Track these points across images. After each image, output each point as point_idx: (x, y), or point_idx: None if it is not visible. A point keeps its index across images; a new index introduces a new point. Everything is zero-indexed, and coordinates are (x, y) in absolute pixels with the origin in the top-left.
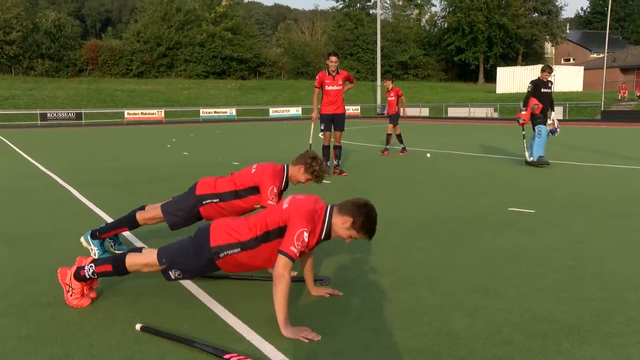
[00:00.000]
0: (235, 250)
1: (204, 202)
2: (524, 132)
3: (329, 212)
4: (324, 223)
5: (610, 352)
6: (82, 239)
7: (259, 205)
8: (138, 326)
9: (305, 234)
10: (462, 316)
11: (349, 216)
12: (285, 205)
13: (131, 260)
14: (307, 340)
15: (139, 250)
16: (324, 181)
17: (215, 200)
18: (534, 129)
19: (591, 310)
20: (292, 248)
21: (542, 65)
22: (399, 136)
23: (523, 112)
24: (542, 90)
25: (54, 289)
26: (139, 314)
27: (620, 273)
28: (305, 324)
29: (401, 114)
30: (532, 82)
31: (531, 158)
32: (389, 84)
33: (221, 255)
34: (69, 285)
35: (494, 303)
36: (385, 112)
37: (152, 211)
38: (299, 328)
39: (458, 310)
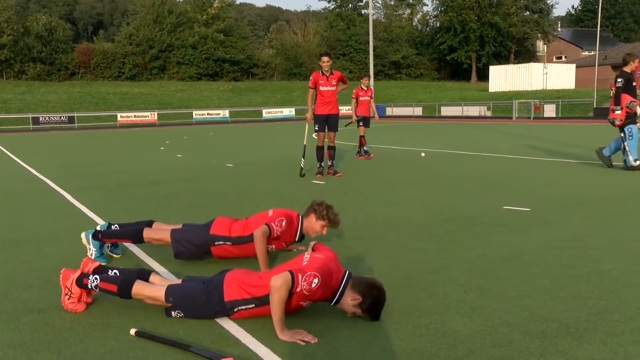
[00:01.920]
0: (250, 306)
1: (215, 243)
2: (622, 135)
3: (344, 281)
4: (337, 291)
5: (609, 351)
6: (82, 235)
7: (271, 247)
8: (133, 331)
9: (316, 280)
10: (459, 317)
11: (359, 295)
12: (304, 263)
13: (138, 289)
14: (303, 343)
15: (148, 274)
16: (318, 182)
17: (228, 243)
18: (623, 131)
19: (589, 309)
20: (300, 276)
21: (626, 54)
22: (363, 138)
23: (618, 112)
24: (634, 84)
25: (47, 294)
26: (134, 318)
27: (617, 271)
28: (302, 327)
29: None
30: (622, 75)
31: (637, 161)
32: (367, 82)
33: (235, 310)
34: (69, 289)
35: (492, 303)
36: (356, 115)
37: (161, 233)
38: (296, 331)
39: (455, 311)
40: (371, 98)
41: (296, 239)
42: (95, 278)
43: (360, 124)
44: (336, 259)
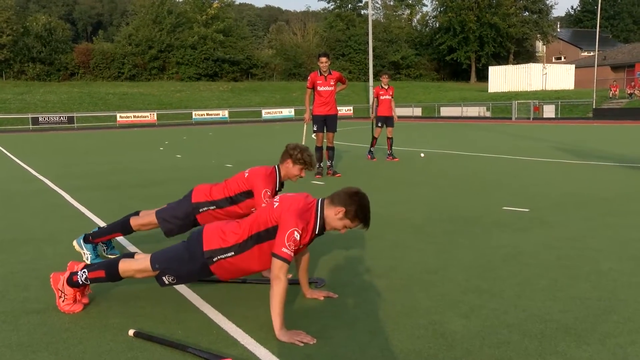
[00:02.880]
0: (229, 254)
1: (200, 210)
2: None
3: (319, 205)
4: (317, 218)
5: (607, 351)
6: (74, 243)
7: (255, 209)
8: (131, 332)
9: (297, 234)
10: (458, 317)
11: (341, 206)
12: (275, 204)
13: (124, 266)
14: (302, 344)
15: (132, 255)
16: (318, 182)
17: (211, 208)
18: None
19: (587, 309)
20: (285, 250)
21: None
22: (376, 140)
23: None
24: None
25: (45, 295)
26: (132, 319)
27: (616, 271)
28: (301, 328)
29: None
30: None
31: None
32: (387, 80)
33: (214, 259)
34: (61, 291)
35: (490, 304)
36: (374, 114)
37: (147, 217)
38: (294, 332)
39: (454, 311)
40: (392, 97)
41: (277, 189)
42: (84, 272)
43: (379, 124)
44: (304, 194)
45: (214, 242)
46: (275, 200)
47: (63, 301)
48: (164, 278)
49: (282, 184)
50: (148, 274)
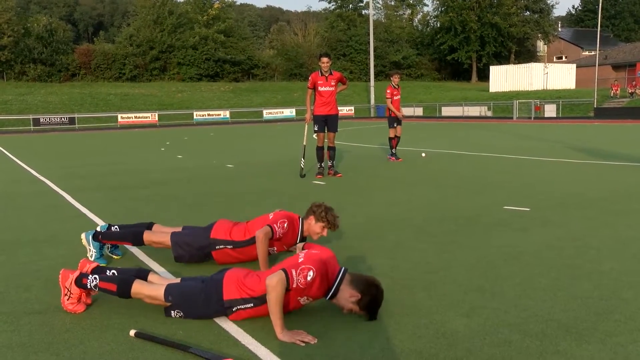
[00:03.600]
0: (249, 305)
1: (216, 247)
2: None
3: (341, 276)
4: (335, 284)
5: (608, 351)
6: (82, 236)
7: (273, 249)
8: (132, 332)
9: (312, 273)
10: (459, 317)
11: (358, 292)
12: (300, 259)
13: (137, 288)
14: (303, 344)
15: (147, 274)
16: (318, 182)
17: (229, 247)
18: None
19: (589, 308)
20: (293, 272)
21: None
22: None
23: None
24: None
25: (47, 295)
26: (133, 319)
27: (617, 271)
28: (301, 327)
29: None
30: None
31: None
32: (398, 80)
33: (234, 309)
34: (68, 289)
35: (491, 303)
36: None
37: (161, 236)
38: (295, 331)
39: (455, 311)
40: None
41: (297, 241)
42: (95, 278)
43: (395, 124)
44: (332, 254)
45: (234, 292)
46: (300, 254)
47: (68, 299)
48: (172, 312)
49: (304, 239)
50: (158, 302)
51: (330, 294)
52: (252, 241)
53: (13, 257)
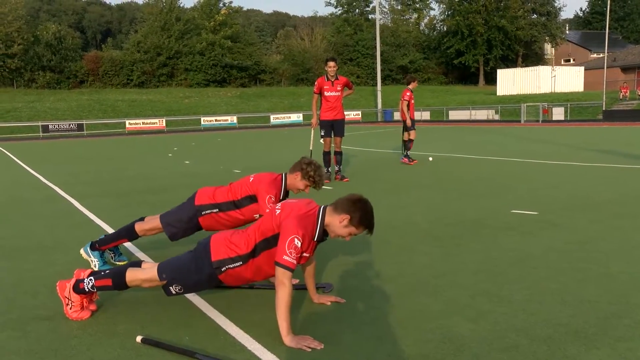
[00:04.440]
0: (237, 264)
1: (203, 213)
2: None
3: (321, 212)
4: (317, 224)
5: (618, 356)
6: (81, 251)
7: (257, 215)
8: (139, 338)
9: (297, 241)
10: (466, 322)
11: (346, 213)
12: (277, 212)
13: (131, 275)
14: (309, 349)
15: (139, 264)
16: (326, 187)
17: (214, 211)
18: None
19: (597, 313)
20: (286, 257)
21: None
22: (406, 142)
23: None
24: None
25: (54, 302)
26: (140, 325)
27: (626, 274)
28: (308, 333)
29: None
30: None
31: None
32: (416, 85)
33: (223, 269)
34: (68, 298)
35: (498, 308)
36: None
37: (151, 222)
38: (301, 337)
39: (462, 315)
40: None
41: (281, 196)
42: (90, 279)
43: (414, 127)
44: (306, 201)
45: (221, 252)
46: (277, 207)
47: (70, 308)
48: (170, 288)
49: (287, 193)
50: (155, 283)
51: (317, 235)
52: (237, 203)
53: (21, 263)
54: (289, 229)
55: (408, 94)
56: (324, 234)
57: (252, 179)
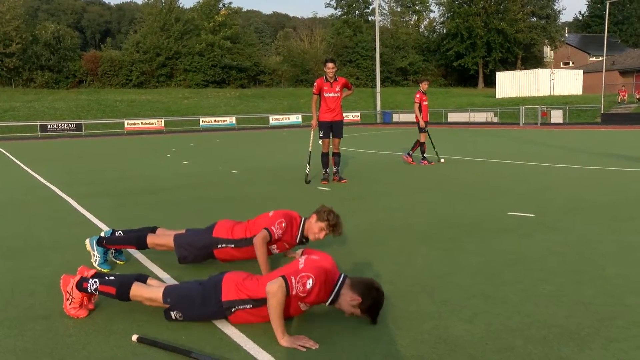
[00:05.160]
0: (248, 306)
1: (219, 246)
2: None
3: (341, 282)
4: (333, 292)
5: (611, 356)
6: (87, 241)
7: (274, 248)
8: (134, 337)
9: (310, 281)
10: (461, 322)
11: (358, 295)
12: (301, 265)
13: (136, 291)
14: (304, 349)
15: (145, 279)
16: (323, 188)
17: (230, 245)
18: None
19: (592, 314)
20: (293, 279)
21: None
22: (423, 144)
23: None
24: None
25: (51, 301)
26: (136, 324)
27: (621, 276)
28: (303, 332)
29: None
30: None
31: None
32: (427, 86)
33: (233, 310)
34: (69, 294)
35: (494, 309)
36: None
37: (164, 238)
38: (297, 337)
39: (458, 316)
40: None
41: (297, 241)
42: (95, 281)
43: (426, 129)
44: (332, 261)
45: (233, 294)
46: (300, 260)
47: (70, 304)
48: (171, 313)
49: (302, 238)
50: (157, 304)
51: (330, 299)
52: (252, 240)
53: (19, 263)
54: (311, 269)
55: (418, 95)
56: (334, 301)
57: (271, 214)
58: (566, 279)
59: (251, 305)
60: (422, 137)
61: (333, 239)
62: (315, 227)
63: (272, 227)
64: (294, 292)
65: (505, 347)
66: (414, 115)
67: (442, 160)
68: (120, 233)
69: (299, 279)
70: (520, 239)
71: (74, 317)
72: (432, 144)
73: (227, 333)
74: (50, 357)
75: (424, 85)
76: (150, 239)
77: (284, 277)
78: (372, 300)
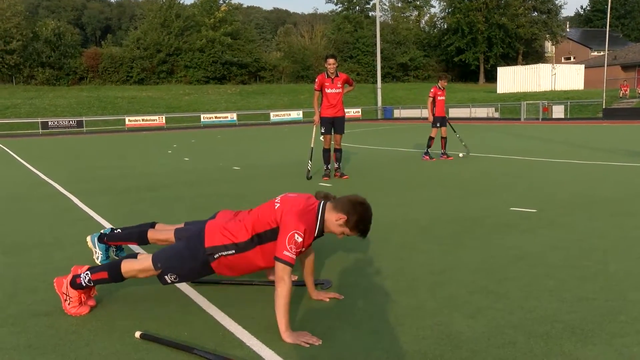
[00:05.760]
0: (230, 252)
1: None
2: None
3: (322, 208)
4: (317, 220)
5: (614, 352)
6: (88, 239)
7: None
8: (137, 333)
9: (298, 236)
10: (463, 318)
11: (343, 213)
12: (277, 205)
13: (127, 266)
14: (307, 345)
15: (135, 256)
16: (325, 184)
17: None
18: None
19: (594, 310)
20: (286, 253)
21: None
22: (433, 140)
23: None
24: None
25: (53, 298)
26: (138, 321)
27: (624, 272)
28: (306, 329)
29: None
30: None
31: None
32: (445, 82)
33: (215, 256)
34: (66, 294)
35: (496, 304)
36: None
37: (165, 233)
38: (300, 333)
39: (460, 312)
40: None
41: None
42: (87, 274)
43: (438, 124)
44: (306, 195)
45: (215, 239)
46: (276, 200)
47: (69, 304)
48: (165, 277)
49: (321, 232)
50: (150, 273)
51: (317, 231)
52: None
53: (21, 259)
54: (289, 224)
55: (432, 90)
56: (322, 229)
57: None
58: (569, 275)
59: (234, 251)
60: (433, 132)
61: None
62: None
63: (288, 253)
64: (295, 258)
65: (507, 343)
66: (416, 111)
67: (461, 155)
68: (119, 231)
69: (289, 245)
70: (523, 234)
71: (75, 315)
72: (459, 138)
73: (230, 329)
74: (54, 354)
75: (442, 82)
76: (151, 234)
77: (279, 260)
78: (358, 215)
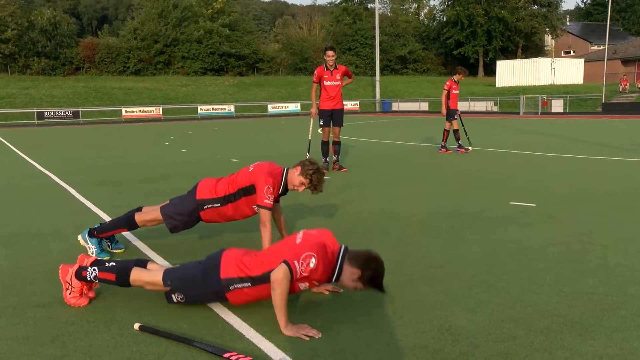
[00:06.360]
0: (246, 285)
1: (204, 207)
2: None
3: (341, 255)
4: (337, 265)
5: (614, 346)
6: (79, 237)
7: (256, 206)
8: (136, 326)
9: (313, 260)
10: (463, 312)
11: (358, 268)
12: (298, 241)
13: (136, 275)
14: (307, 338)
15: (145, 263)
16: (325, 177)
17: (216, 205)
18: None
19: (594, 304)
20: (296, 263)
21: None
22: (455, 132)
23: None
24: None
25: (51, 289)
26: (137, 313)
27: (623, 266)
28: (306, 322)
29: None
30: None
31: None
32: (461, 77)
33: (231, 287)
34: (69, 283)
35: (496, 298)
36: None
37: (151, 213)
38: (300, 326)
39: (460, 306)
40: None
41: (280, 192)
42: (94, 269)
43: (455, 117)
44: (330, 233)
45: (231, 271)
46: (298, 235)
47: (70, 294)
48: (173, 296)
49: (285, 190)
50: (158, 288)
51: (335, 275)
52: (237, 195)
53: (18, 250)
54: (311, 247)
55: (447, 83)
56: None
57: (252, 168)
58: (568, 269)
59: (249, 284)
60: (447, 125)
61: (331, 227)
62: (296, 180)
63: (265, 200)
64: (298, 276)
65: (507, 337)
66: (414, 104)
67: (470, 149)
68: (106, 223)
69: (301, 262)
70: (522, 228)
71: (74, 305)
72: (465, 131)
73: (230, 322)
74: (52, 345)
75: (458, 76)
76: (139, 217)
77: (287, 263)
78: (372, 271)
